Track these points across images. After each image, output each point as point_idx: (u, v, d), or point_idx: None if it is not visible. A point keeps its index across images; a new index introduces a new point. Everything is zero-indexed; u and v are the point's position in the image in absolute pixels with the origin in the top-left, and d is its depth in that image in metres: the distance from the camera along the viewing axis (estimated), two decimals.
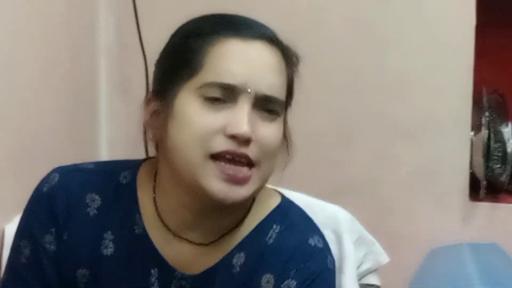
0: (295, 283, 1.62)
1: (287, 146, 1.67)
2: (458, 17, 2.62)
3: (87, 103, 2.54)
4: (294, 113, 2.49)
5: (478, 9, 2.58)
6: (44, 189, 1.69)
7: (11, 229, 1.90)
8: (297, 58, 1.67)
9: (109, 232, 1.69)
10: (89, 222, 1.69)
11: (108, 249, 1.69)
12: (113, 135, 2.50)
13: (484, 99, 2.66)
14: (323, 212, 1.93)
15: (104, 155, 2.54)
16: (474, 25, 2.60)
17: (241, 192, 1.56)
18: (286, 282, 1.63)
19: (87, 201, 1.69)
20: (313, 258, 1.66)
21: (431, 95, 2.66)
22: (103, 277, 1.68)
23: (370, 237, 2.00)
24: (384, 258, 2.01)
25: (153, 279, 1.68)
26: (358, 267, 1.97)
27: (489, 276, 2.55)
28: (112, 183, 1.72)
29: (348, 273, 1.94)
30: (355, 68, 2.66)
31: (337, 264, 1.92)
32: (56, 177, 1.70)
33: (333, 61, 2.65)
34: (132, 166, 1.75)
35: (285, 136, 1.66)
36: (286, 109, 1.66)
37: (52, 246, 1.68)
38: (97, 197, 1.70)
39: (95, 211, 1.69)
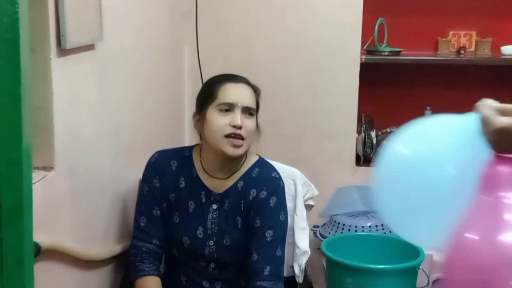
0: (265, 193, 1.69)
1: (259, 131, 1.70)
2: (351, 81, 2.58)
3: (177, 115, 2.51)
4: (277, 123, 2.50)
5: (360, 76, 2.55)
6: (152, 160, 1.74)
7: None
8: (259, 91, 1.73)
9: (182, 177, 1.72)
10: (173, 172, 1.72)
11: (182, 184, 1.72)
12: (191, 132, 2.48)
13: (363, 119, 2.65)
14: (288, 170, 1.94)
15: (187, 143, 2.51)
16: (358, 84, 2.57)
17: (238, 151, 1.63)
18: (261, 192, 1.68)
19: (171, 164, 1.73)
20: (273, 182, 1.72)
21: (341, 118, 2.61)
22: (180, 197, 1.69)
23: (309, 182, 1.99)
24: (315, 192, 2.00)
25: (202, 196, 1.72)
26: (304, 196, 1.97)
27: (364, 201, 2.54)
28: (181, 155, 1.75)
29: (299, 199, 1.94)
30: (305, 103, 2.62)
31: (293, 195, 1.93)
32: (156, 154, 1.75)
33: (294, 101, 2.62)
34: (190, 147, 1.78)
35: (257, 126, 1.69)
36: (257, 113, 1.70)
37: (157, 184, 1.71)
38: (175, 161, 1.73)
39: (175, 168, 1.73)
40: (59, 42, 1.34)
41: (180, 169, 1.72)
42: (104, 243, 1.71)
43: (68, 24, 1.34)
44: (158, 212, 1.70)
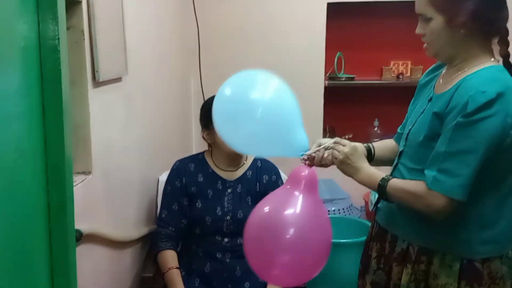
0: (275, 176, 1.78)
1: None
2: (318, 99, 2.55)
3: (186, 128, 2.49)
4: None
5: (324, 96, 2.54)
6: (174, 167, 1.72)
7: (161, 178, 1.88)
8: None
9: (200, 173, 1.70)
10: (191, 172, 1.71)
11: (201, 178, 1.71)
12: (198, 141, 2.46)
13: (327, 128, 2.66)
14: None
15: (194, 149, 2.50)
16: (323, 102, 2.55)
17: None
18: (272, 176, 1.77)
19: (189, 166, 1.72)
20: (274, 167, 1.85)
21: (310, 128, 2.50)
22: (200, 188, 1.70)
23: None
24: None
25: (218, 184, 1.69)
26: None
27: (329, 190, 2.54)
28: (196, 159, 1.74)
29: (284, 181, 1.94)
30: None
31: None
32: (177, 162, 1.74)
33: None
34: (201, 153, 1.77)
35: None
36: None
37: (179, 184, 1.69)
38: (192, 164, 1.72)
39: (193, 168, 1.71)
40: (94, 77, 1.34)
41: (197, 168, 1.74)
42: (131, 228, 1.71)
43: (100, 63, 1.34)
44: (176, 206, 1.71)
